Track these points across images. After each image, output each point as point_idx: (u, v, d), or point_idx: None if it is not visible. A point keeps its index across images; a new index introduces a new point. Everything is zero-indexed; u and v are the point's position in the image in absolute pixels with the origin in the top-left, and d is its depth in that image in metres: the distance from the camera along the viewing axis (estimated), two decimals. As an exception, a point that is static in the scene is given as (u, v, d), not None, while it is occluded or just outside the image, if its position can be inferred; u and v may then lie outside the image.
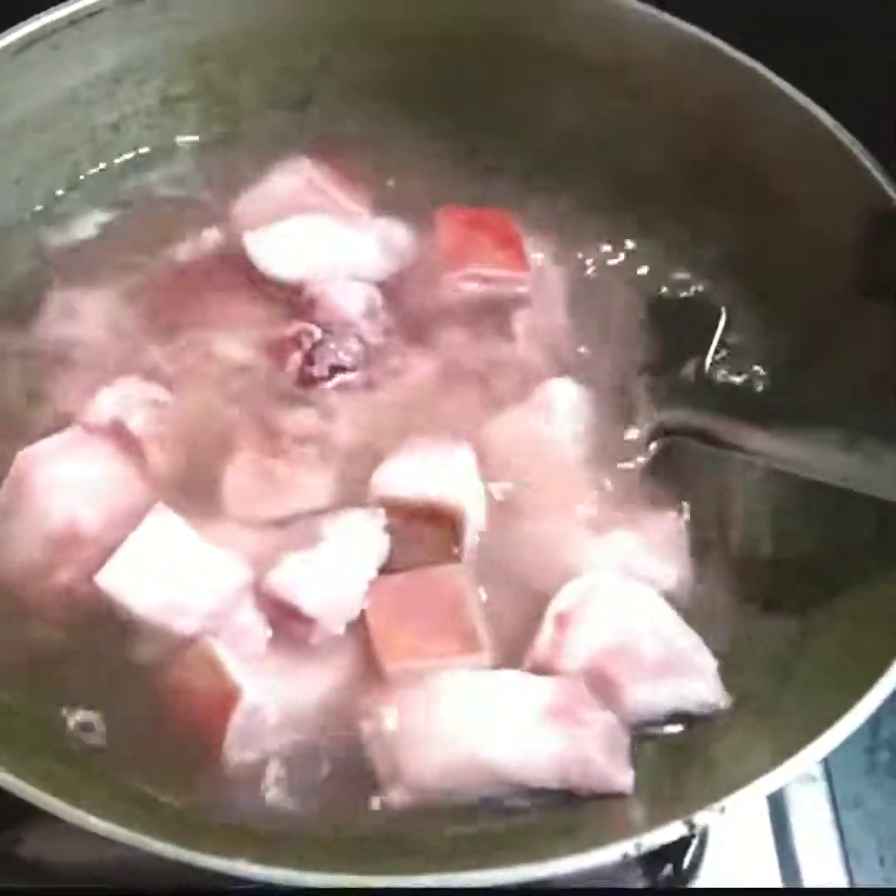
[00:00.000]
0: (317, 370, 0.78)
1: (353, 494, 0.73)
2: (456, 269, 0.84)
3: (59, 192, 0.87)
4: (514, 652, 0.69)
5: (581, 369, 0.81)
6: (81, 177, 0.87)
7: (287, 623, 0.67)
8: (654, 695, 0.67)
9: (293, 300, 0.81)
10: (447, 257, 0.84)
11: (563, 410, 0.79)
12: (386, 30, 0.88)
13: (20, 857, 0.70)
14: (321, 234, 0.84)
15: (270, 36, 0.88)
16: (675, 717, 0.68)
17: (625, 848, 0.54)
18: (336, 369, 0.79)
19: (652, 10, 0.83)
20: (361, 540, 0.69)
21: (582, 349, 0.83)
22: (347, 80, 0.91)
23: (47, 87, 0.82)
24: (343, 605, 0.67)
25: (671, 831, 0.55)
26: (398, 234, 0.86)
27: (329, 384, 0.78)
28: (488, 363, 0.81)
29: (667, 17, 0.82)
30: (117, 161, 0.89)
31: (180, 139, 0.90)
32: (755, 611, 0.73)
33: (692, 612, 0.71)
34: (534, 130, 0.89)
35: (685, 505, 0.76)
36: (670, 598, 0.71)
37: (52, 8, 0.80)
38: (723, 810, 0.55)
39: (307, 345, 0.79)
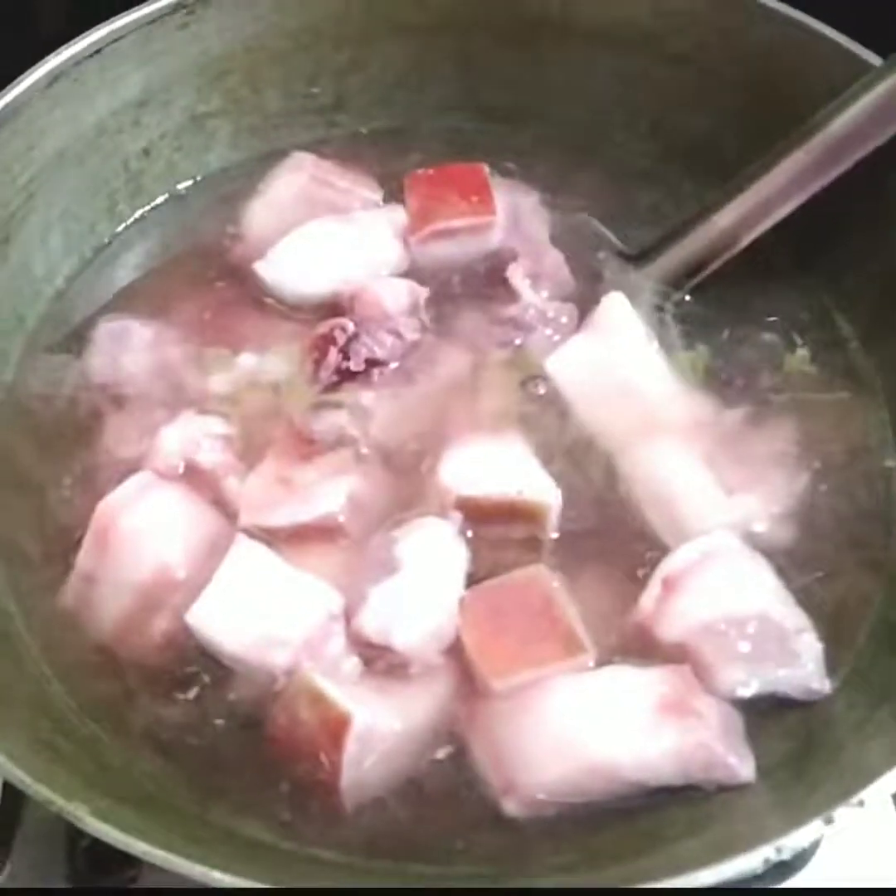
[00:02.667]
0: (353, 364, 0.76)
1: (405, 495, 0.71)
2: (422, 229, 0.82)
3: (100, 225, 0.85)
4: (610, 638, 0.66)
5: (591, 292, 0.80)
6: (120, 207, 0.86)
7: (381, 656, 0.65)
8: (747, 678, 0.65)
9: (326, 307, 0.80)
10: (415, 219, 0.83)
11: (626, 325, 0.77)
12: (414, 22, 0.86)
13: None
14: (331, 239, 0.82)
15: (293, 42, 0.86)
16: (780, 700, 0.66)
17: (765, 853, 0.52)
18: (372, 363, 0.77)
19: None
20: (442, 554, 0.68)
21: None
22: (376, 78, 0.89)
23: (78, 119, 0.81)
24: (437, 635, 0.65)
25: (810, 831, 0.53)
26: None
27: (367, 374, 0.76)
28: (507, 330, 0.79)
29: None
30: (153, 188, 0.87)
31: (212, 158, 0.89)
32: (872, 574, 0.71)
33: (804, 573, 0.69)
34: (573, 110, 0.87)
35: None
36: (783, 559, 0.69)
37: (74, 40, 0.79)
38: (861, 803, 0.53)
39: (341, 340, 0.77)
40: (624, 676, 0.64)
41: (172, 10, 0.82)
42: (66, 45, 0.79)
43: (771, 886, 0.68)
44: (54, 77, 0.78)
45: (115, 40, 0.80)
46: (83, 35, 0.79)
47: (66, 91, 0.79)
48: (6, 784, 0.65)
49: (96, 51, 0.80)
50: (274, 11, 0.85)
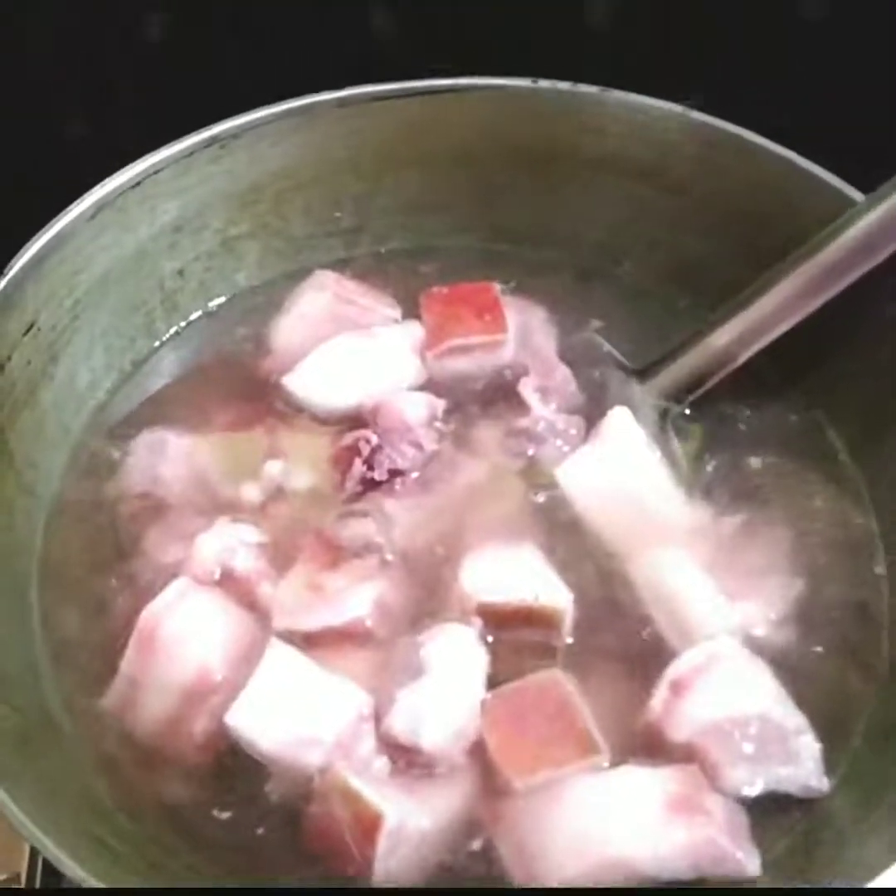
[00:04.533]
0: (377, 474, 0.82)
1: (428, 599, 0.76)
2: (438, 345, 0.88)
3: (139, 342, 0.91)
4: (623, 738, 0.71)
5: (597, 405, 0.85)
6: (156, 324, 0.92)
7: (409, 757, 0.69)
8: (751, 778, 0.69)
9: (351, 418, 0.85)
10: (432, 335, 0.88)
11: (630, 438, 0.82)
12: (431, 153, 0.93)
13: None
14: (354, 354, 0.88)
15: (315, 172, 0.93)
16: (782, 797, 0.70)
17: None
18: (394, 473, 0.82)
19: (682, 110, 0.87)
20: (465, 658, 0.72)
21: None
22: (395, 202, 0.95)
23: (120, 245, 0.87)
24: (461, 736, 0.70)
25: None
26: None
27: (389, 484, 0.81)
28: (519, 440, 0.84)
29: (696, 115, 0.87)
30: (187, 306, 0.93)
31: (242, 277, 0.95)
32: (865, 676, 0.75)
33: (801, 675, 0.73)
34: (580, 232, 0.94)
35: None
36: (781, 662, 0.73)
37: (116, 173, 0.85)
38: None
39: (366, 451, 0.82)
40: (636, 776, 0.68)
41: (207, 144, 0.88)
42: (109, 178, 0.85)
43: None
44: (99, 207, 0.84)
45: (155, 172, 0.86)
46: (125, 168, 0.86)
47: (110, 220, 0.85)
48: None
49: (137, 183, 0.86)
50: (299, 146, 0.91)
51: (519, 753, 0.69)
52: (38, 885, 0.79)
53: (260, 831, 0.70)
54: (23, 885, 0.80)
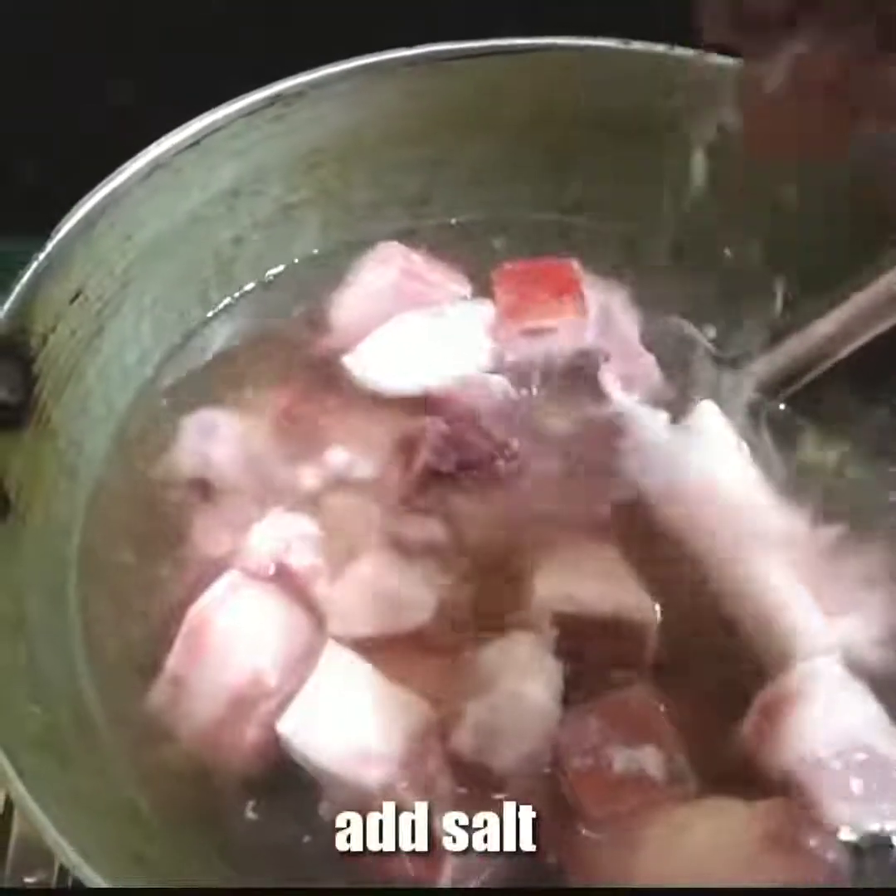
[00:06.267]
0: (444, 466, 0.75)
1: (496, 605, 0.70)
2: (511, 326, 0.81)
3: (191, 313, 0.85)
4: (711, 766, 0.65)
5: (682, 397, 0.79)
6: (210, 296, 0.86)
7: (477, 777, 0.64)
8: (854, 816, 0.63)
9: (416, 403, 0.79)
10: (504, 316, 0.82)
11: (719, 434, 0.76)
12: (507, 117, 0.86)
13: None
14: (421, 334, 0.82)
15: (384, 135, 0.86)
16: (883, 836, 0.63)
17: None
18: (462, 465, 0.76)
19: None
20: (538, 671, 0.66)
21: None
22: (466, 170, 0.89)
23: (174, 209, 0.81)
24: (534, 757, 0.64)
25: None
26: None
27: (456, 476, 0.75)
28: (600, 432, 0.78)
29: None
30: (242, 276, 0.87)
31: (300, 247, 0.89)
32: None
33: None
34: (667, 207, 0.86)
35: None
36: (883, 685, 0.67)
37: (172, 132, 0.79)
38: None
39: (433, 440, 0.76)
40: (728, 809, 0.62)
41: (269, 102, 0.82)
42: (165, 136, 0.79)
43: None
44: (154, 167, 0.78)
45: (214, 131, 0.80)
46: (182, 126, 0.79)
47: (165, 181, 0.79)
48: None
49: (195, 142, 0.80)
50: (365, 107, 0.84)
51: (597, 779, 0.63)
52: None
53: (310, 849, 0.64)
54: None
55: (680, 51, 0.82)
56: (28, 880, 0.75)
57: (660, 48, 0.82)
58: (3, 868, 0.75)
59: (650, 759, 0.63)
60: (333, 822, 0.62)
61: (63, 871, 0.74)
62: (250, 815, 0.65)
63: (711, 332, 0.82)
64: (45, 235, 0.74)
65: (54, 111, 0.97)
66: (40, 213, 0.75)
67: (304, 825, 0.64)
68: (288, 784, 0.65)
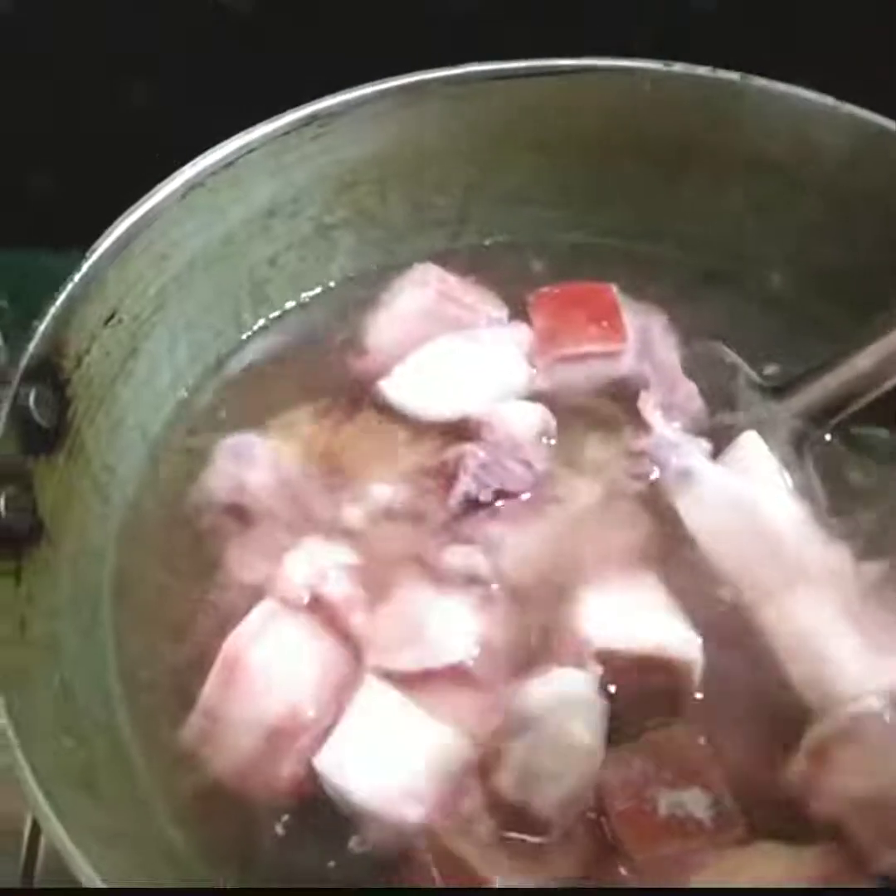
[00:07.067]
0: (483, 495, 0.74)
1: (537, 639, 0.68)
2: (549, 352, 0.80)
3: (225, 335, 0.84)
4: (758, 809, 0.63)
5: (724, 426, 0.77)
6: (245, 318, 0.85)
7: (518, 817, 0.62)
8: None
9: (453, 429, 0.78)
10: (542, 340, 0.81)
11: (762, 466, 0.74)
12: (546, 139, 0.85)
13: None
14: (458, 358, 0.80)
15: (421, 155, 0.85)
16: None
17: None
18: (500, 494, 0.74)
19: (833, 103, 0.78)
20: (582, 709, 0.64)
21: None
22: (503, 191, 0.87)
23: (210, 229, 0.80)
24: (578, 798, 0.62)
25: None
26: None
27: (494, 506, 0.73)
28: (637, 463, 0.76)
29: (849, 108, 0.78)
30: (277, 297, 0.86)
31: (336, 268, 0.87)
32: None
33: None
34: (706, 231, 0.85)
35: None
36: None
37: (208, 152, 0.78)
38: None
39: (472, 467, 0.74)
40: (777, 855, 0.60)
41: (306, 122, 0.80)
42: (201, 156, 0.78)
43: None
44: (189, 187, 0.77)
45: (249, 152, 0.79)
46: (218, 146, 0.78)
47: (200, 201, 0.78)
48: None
49: (230, 162, 0.79)
50: (404, 127, 0.83)
51: (642, 822, 0.61)
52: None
53: (333, 875, 0.62)
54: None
55: (722, 74, 0.81)
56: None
57: (701, 71, 0.81)
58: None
59: (696, 802, 0.61)
60: (369, 855, 0.62)
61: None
62: (286, 849, 0.64)
63: (755, 360, 0.81)
64: (80, 256, 0.73)
65: (89, 128, 0.96)
66: (75, 233, 0.75)
67: (339, 858, 0.63)
68: (324, 819, 0.63)
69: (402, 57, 0.83)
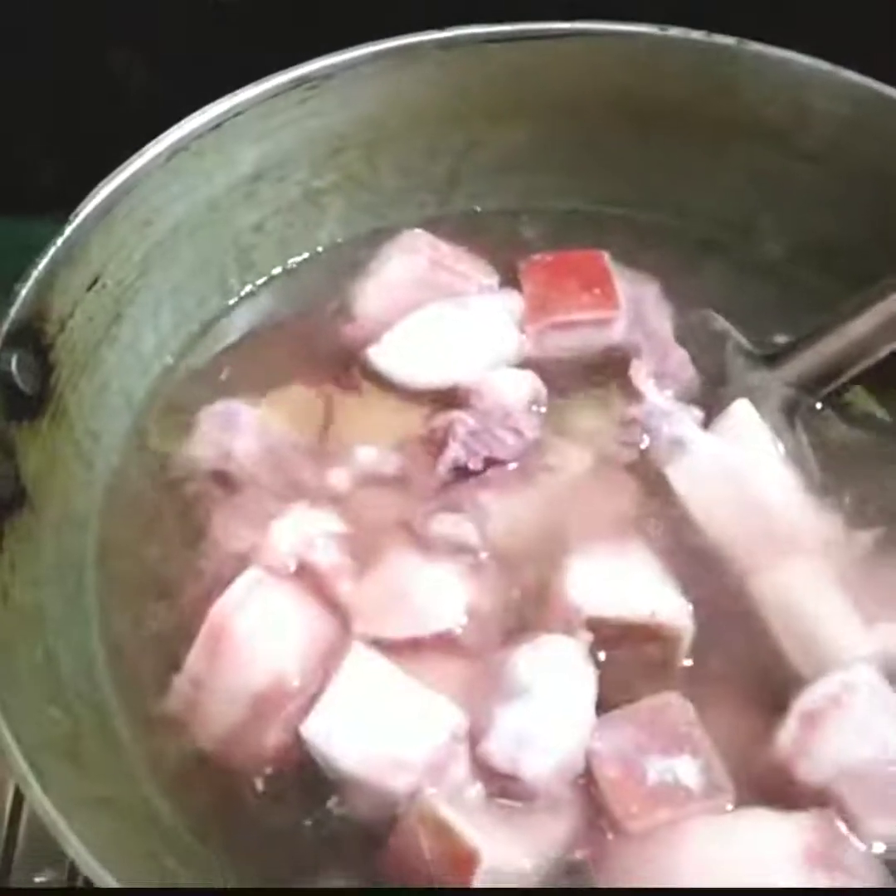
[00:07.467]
0: (472, 462, 0.73)
1: (526, 607, 0.68)
2: (540, 320, 0.79)
3: (211, 301, 0.83)
4: (748, 776, 0.63)
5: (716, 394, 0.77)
6: (230, 282, 0.84)
7: (507, 784, 0.62)
8: (893, 831, 0.61)
9: (443, 397, 0.77)
10: (533, 308, 0.80)
11: (754, 434, 0.74)
12: (538, 103, 0.83)
13: None
14: (447, 326, 0.79)
15: (412, 119, 0.84)
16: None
17: None
18: (490, 462, 0.74)
19: (830, 68, 0.77)
20: (571, 676, 0.64)
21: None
22: (495, 157, 0.86)
23: (194, 194, 0.78)
24: (567, 766, 0.62)
25: None
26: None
27: (484, 474, 0.73)
28: (628, 431, 0.75)
29: (847, 75, 0.77)
30: (263, 263, 0.85)
31: (324, 234, 0.86)
32: None
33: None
34: (700, 199, 0.84)
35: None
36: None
37: (193, 115, 0.77)
38: None
39: (461, 435, 0.74)
40: (766, 821, 0.60)
41: (295, 84, 0.79)
42: (186, 119, 0.77)
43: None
44: (174, 151, 0.76)
45: (236, 115, 0.78)
46: (203, 108, 0.77)
47: (185, 165, 0.77)
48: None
49: (216, 125, 0.77)
50: (394, 91, 0.82)
51: (632, 789, 0.61)
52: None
53: (333, 854, 0.62)
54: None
55: (718, 38, 0.79)
56: (37, 880, 0.75)
57: (697, 35, 0.80)
58: (11, 865, 0.74)
59: (686, 769, 0.61)
60: (356, 822, 0.62)
61: (73, 870, 0.73)
62: (271, 817, 0.63)
63: (748, 329, 0.80)
64: (63, 220, 0.72)
65: (70, 92, 0.95)
66: (58, 198, 0.73)
67: (327, 826, 0.62)
68: (310, 786, 0.63)
69: (392, 20, 0.82)
